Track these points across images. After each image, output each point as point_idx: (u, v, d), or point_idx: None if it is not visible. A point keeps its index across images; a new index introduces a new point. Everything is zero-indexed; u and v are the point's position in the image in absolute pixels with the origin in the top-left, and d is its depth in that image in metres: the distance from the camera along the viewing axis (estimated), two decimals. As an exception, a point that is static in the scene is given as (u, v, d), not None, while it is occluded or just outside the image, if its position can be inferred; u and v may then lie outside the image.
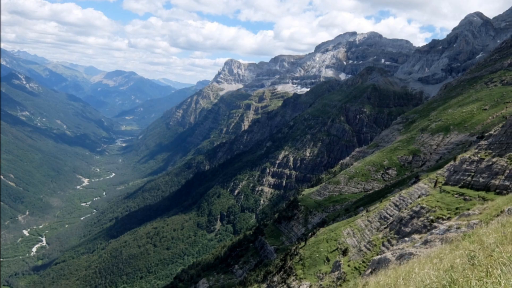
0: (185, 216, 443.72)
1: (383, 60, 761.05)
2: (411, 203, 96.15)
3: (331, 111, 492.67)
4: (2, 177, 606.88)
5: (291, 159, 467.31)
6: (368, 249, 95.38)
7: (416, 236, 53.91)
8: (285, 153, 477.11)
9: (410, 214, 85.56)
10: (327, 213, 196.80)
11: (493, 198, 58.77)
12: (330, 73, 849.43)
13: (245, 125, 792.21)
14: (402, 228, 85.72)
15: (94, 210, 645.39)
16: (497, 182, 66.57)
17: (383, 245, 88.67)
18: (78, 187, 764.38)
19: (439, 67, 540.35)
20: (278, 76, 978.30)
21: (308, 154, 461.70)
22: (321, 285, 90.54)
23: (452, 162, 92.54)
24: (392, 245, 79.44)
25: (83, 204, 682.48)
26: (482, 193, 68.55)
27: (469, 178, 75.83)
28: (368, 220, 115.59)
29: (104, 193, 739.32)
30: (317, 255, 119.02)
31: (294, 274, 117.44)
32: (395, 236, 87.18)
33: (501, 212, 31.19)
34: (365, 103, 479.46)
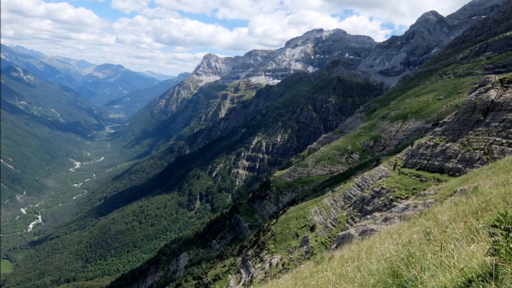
0: (168, 196, 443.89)
1: (347, 55, 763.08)
2: (372, 184, 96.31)
3: (300, 100, 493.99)
4: (2, 160, 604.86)
5: (264, 144, 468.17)
6: (334, 226, 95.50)
7: (377, 214, 53.78)
8: (258, 139, 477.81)
9: (372, 194, 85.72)
10: (296, 193, 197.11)
11: (447, 179, 58.90)
12: (299, 66, 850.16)
13: (222, 113, 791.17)
14: (364, 206, 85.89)
15: (85, 190, 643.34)
16: (450, 165, 66.75)
17: (347, 222, 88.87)
18: (70, 169, 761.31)
19: (398, 60, 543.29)
20: (252, 69, 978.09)
21: (279, 140, 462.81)
22: (291, 258, 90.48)
23: (409, 147, 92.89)
24: (355, 222, 79.50)
25: (75, 185, 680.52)
26: (437, 175, 68.82)
27: (425, 161, 76.08)
28: (334, 200, 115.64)
29: (94, 175, 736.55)
30: (287, 231, 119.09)
31: (267, 248, 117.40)
32: (358, 214, 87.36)
33: (454, 192, 31.05)
34: (331, 93, 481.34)
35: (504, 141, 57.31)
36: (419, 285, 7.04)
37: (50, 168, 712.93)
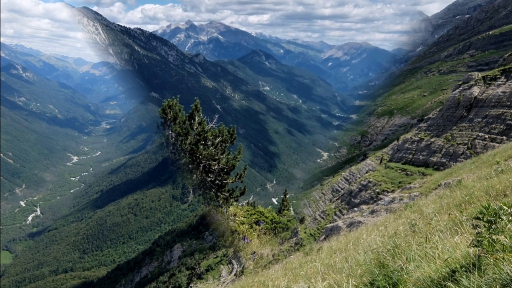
0: (162, 189, 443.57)
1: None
2: (359, 177, 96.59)
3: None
4: (1, 155, 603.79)
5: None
6: (322, 218, 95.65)
7: (364, 207, 53.89)
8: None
9: (359, 187, 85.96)
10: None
11: (431, 173, 59.07)
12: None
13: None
14: (352, 199, 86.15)
15: (82, 184, 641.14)
16: (435, 159, 67.01)
17: (335, 214, 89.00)
18: (68, 163, 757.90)
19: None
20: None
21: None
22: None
23: (395, 142, 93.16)
24: (343, 214, 79.69)
25: (73, 178, 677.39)
26: (422, 169, 69.10)
27: (411, 156, 76.38)
28: (322, 193, 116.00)
29: (91, 169, 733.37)
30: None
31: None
32: (346, 206, 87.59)
33: (439, 185, 31.15)
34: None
35: (486, 136, 57.57)
36: (405, 275, 7.09)
37: (48, 162, 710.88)
